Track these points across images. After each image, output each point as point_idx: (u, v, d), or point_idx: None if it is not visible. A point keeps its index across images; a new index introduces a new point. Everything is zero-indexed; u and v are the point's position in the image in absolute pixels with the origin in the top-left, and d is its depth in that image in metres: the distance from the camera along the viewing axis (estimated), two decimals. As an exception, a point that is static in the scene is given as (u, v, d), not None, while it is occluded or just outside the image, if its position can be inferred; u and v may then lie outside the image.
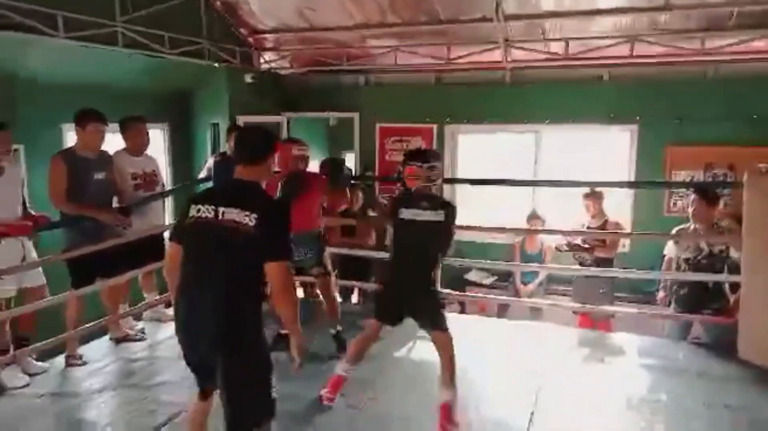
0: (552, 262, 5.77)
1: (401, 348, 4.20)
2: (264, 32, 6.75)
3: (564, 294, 6.03)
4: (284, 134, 7.46)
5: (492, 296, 5.90)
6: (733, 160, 5.70)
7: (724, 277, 4.14)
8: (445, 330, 3.09)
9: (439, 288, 3.45)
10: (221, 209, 2.28)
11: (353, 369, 3.32)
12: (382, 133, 6.98)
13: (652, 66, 5.89)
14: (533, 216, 5.96)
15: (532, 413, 3.32)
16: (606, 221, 5.30)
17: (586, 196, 5.34)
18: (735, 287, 4.10)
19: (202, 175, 5.81)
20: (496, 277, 6.65)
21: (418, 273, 3.14)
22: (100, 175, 4.06)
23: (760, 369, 3.69)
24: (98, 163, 4.06)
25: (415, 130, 6.89)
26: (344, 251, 5.33)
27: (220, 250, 2.27)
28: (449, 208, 3.16)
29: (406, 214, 3.13)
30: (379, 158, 7.03)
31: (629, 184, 6.04)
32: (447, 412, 2.98)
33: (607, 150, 6.56)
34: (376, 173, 7.04)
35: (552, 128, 6.48)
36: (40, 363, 3.84)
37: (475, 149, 7.03)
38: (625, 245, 5.90)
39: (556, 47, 5.94)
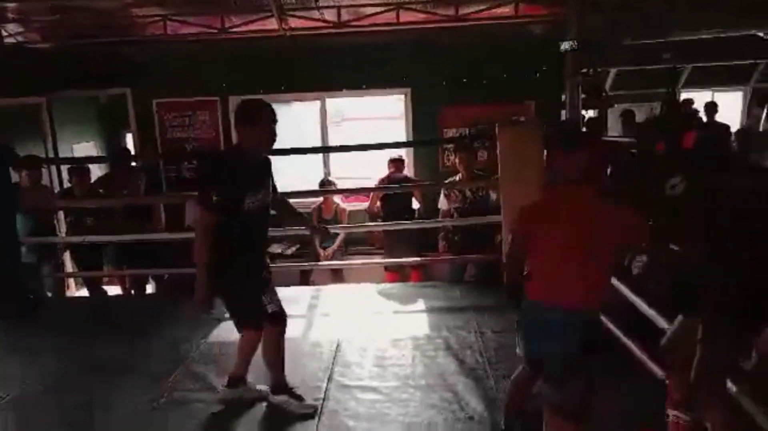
0: (347, 224, 6.00)
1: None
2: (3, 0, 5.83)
3: (364, 253, 6.32)
4: (46, 117, 6.68)
5: (294, 264, 5.97)
6: (494, 116, 6.38)
7: (486, 219, 4.67)
8: None
9: None
10: None
11: None
12: (161, 109, 6.54)
13: (416, 32, 6.27)
14: (325, 183, 6.13)
15: (332, 366, 3.52)
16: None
17: (390, 161, 5.76)
18: (498, 227, 4.65)
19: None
20: (297, 246, 6.72)
21: None
22: None
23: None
24: None
25: (198, 104, 6.58)
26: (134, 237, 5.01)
27: None
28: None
29: None
30: (161, 136, 6.59)
31: (398, 144, 6.30)
32: None
33: (387, 113, 6.94)
34: (160, 152, 6.60)
35: (334, 96, 6.66)
36: None
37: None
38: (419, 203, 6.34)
39: (330, 15, 6.05)
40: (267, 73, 6.39)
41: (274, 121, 2.88)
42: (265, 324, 3.01)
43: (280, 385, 3.11)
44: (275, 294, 3.07)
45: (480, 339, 3.77)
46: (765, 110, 8.12)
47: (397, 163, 5.82)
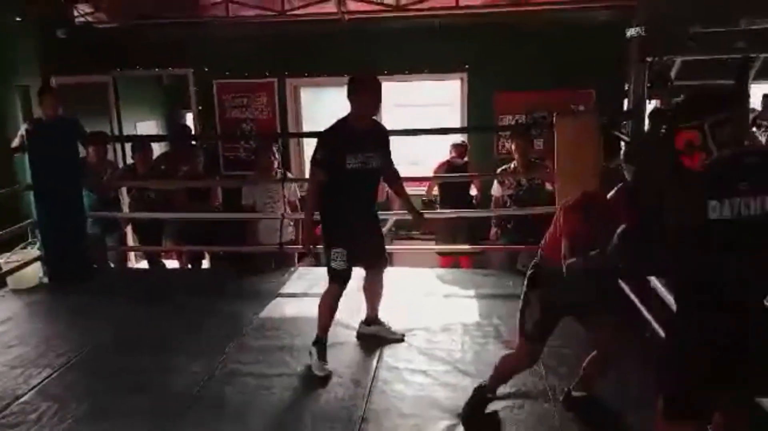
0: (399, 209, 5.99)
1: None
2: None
3: (414, 239, 6.32)
4: (112, 95, 6.93)
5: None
6: (552, 104, 6.22)
7: (540, 209, 4.57)
8: None
9: None
10: None
11: None
12: (220, 90, 6.68)
13: (475, 16, 6.16)
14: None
15: (381, 349, 3.55)
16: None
17: (453, 146, 5.70)
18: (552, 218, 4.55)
19: (15, 143, 5.26)
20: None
21: None
22: None
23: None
24: None
25: (256, 86, 6.69)
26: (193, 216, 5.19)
27: None
28: None
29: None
30: (219, 116, 6.74)
31: (454, 130, 6.23)
32: None
33: (441, 98, 6.87)
34: (218, 132, 6.76)
35: (390, 80, 6.61)
36: None
37: (317, 103, 6.99)
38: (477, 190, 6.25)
39: (389, -3, 6.03)
40: (324, 56, 6.42)
41: (375, 92, 3.31)
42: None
43: (371, 318, 3.68)
44: (361, 252, 3.36)
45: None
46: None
47: (459, 149, 5.71)
